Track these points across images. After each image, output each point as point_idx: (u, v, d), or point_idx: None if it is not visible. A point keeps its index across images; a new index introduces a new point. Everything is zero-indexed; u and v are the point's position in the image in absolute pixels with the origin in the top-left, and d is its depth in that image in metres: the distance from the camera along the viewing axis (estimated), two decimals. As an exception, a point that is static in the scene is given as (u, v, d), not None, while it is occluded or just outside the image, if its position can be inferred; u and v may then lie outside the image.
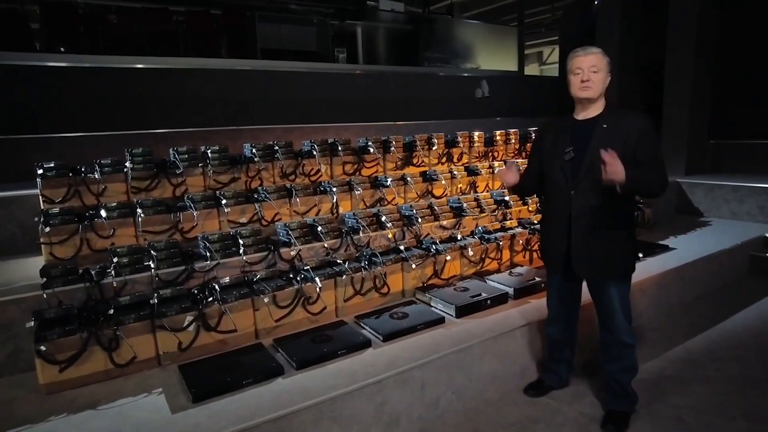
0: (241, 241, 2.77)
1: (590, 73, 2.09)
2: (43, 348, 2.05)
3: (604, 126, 2.12)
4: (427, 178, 3.90)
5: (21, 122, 3.99)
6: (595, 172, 2.04)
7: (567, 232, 2.19)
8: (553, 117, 2.42)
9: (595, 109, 2.17)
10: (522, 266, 3.51)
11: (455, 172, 4.02)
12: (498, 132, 4.66)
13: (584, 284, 2.35)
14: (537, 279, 3.11)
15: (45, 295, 2.28)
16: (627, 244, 2.22)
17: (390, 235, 3.26)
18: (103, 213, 2.72)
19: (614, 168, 1.91)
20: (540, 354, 2.73)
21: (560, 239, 2.22)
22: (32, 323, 2.12)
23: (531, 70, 15.61)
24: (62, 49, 5.34)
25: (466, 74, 7.48)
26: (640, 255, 3.78)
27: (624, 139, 2.06)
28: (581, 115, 2.21)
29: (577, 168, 2.14)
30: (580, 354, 2.67)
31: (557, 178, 2.21)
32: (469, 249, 3.30)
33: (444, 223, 3.52)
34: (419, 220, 3.40)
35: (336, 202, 3.41)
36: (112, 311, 2.24)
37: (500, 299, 2.93)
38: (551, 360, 2.58)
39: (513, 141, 4.71)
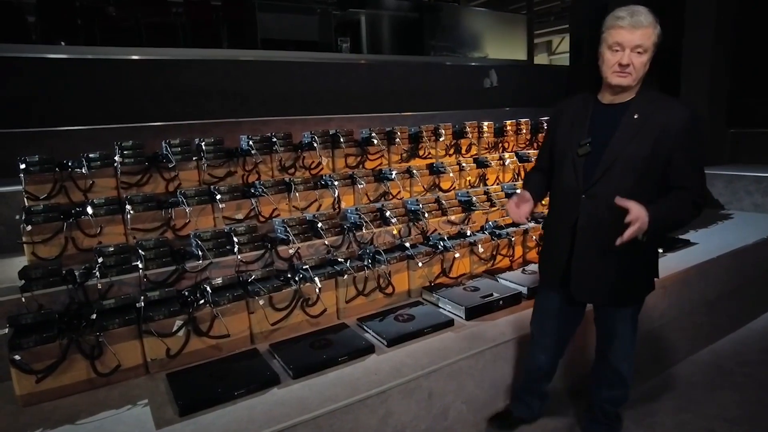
0: (235, 239, 2.61)
1: (633, 54, 1.62)
2: (17, 357, 1.89)
3: (635, 116, 1.69)
4: (434, 170, 3.70)
5: (12, 115, 3.85)
6: (614, 175, 1.66)
7: (569, 245, 1.81)
8: (569, 97, 1.91)
9: (628, 94, 1.73)
10: (536, 263, 3.31)
11: (464, 164, 3.83)
12: (508, 122, 4.46)
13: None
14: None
15: (24, 299, 2.12)
16: (645, 268, 1.84)
17: (395, 232, 3.08)
18: (89, 210, 2.56)
19: (641, 227, 1.51)
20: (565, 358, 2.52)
21: (560, 252, 1.84)
22: (6, 330, 1.97)
23: (540, 60, 15.31)
24: (62, 42, 5.21)
25: (473, 63, 7.26)
26: (660, 250, 3.58)
27: (657, 138, 1.65)
28: (608, 99, 1.77)
29: (593, 166, 1.72)
30: (560, 378, 2.39)
31: (567, 176, 1.79)
32: (479, 245, 3.11)
33: (452, 218, 3.33)
34: (426, 215, 3.22)
35: (338, 196, 3.23)
36: (95, 316, 2.08)
37: (513, 299, 2.74)
38: (525, 390, 2.21)
39: (524, 131, 4.51)
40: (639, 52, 1.63)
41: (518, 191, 1.85)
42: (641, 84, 1.75)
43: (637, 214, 1.54)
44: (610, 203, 1.63)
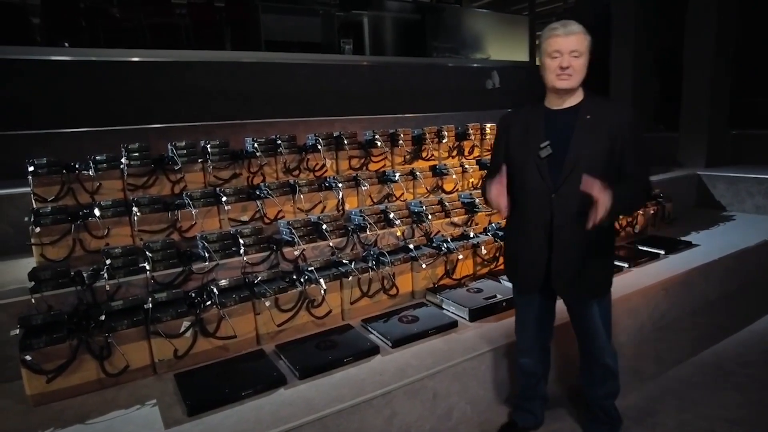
0: (241, 241, 2.63)
1: (571, 58, 1.75)
2: (28, 357, 1.92)
3: (588, 117, 1.81)
4: (437, 172, 3.73)
5: (18, 118, 3.88)
6: (581, 172, 1.72)
7: (548, 244, 1.85)
8: (519, 106, 2.01)
9: (574, 98, 1.85)
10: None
11: (466, 166, 3.85)
12: (510, 124, 4.47)
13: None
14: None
15: (33, 300, 2.15)
16: (610, 255, 1.98)
17: (398, 233, 3.10)
18: (96, 212, 2.59)
19: (605, 207, 1.61)
20: (557, 362, 2.55)
21: (539, 253, 1.88)
22: (18, 330, 2.00)
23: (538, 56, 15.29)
24: (66, 44, 5.23)
25: (476, 65, 7.28)
26: (662, 252, 3.60)
27: (610, 134, 1.79)
28: (557, 104, 1.87)
29: (558, 167, 1.81)
30: (554, 384, 2.41)
31: (532, 179, 1.85)
32: (482, 247, 3.13)
33: (455, 219, 3.36)
34: (429, 216, 3.24)
35: (342, 198, 3.26)
36: (103, 317, 2.10)
37: (516, 301, 2.76)
38: (524, 397, 2.21)
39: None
40: (575, 56, 1.77)
41: (495, 181, 1.85)
42: (585, 89, 1.88)
43: (603, 190, 1.63)
44: (579, 198, 1.73)
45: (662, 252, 3.60)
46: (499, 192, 1.80)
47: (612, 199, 1.63)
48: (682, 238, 3.96)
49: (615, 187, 1.68)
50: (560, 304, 2.03)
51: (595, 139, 1.79)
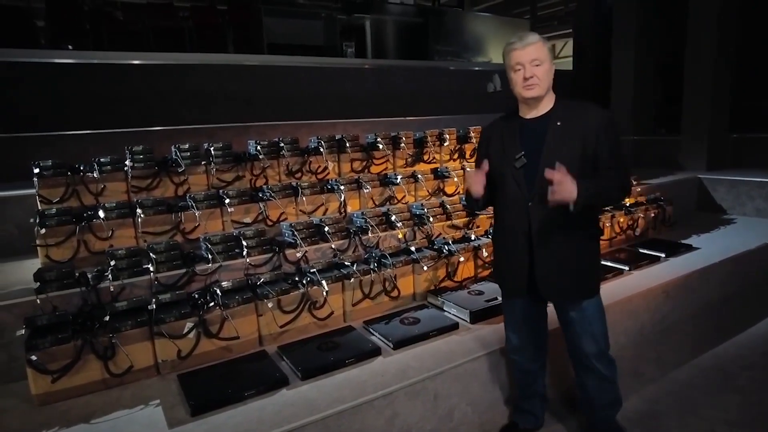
0: (244, 242, 2.65)
1: (533, 68, 1.81)
2: (34, 357, 1.94)
3: (558, 123, 1.86)
4: (439, 175, 3.75)
5: (23, 120, 3.91)
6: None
7: (528, 250, 1.90)
8: (497, 117, 2.08)
9: (545, 105, 1.91)
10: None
11: (468, 169, 3.87)
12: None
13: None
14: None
15: (39, 301, 2.17)
16: (596, 255, 1.99)
17: (400, 236, 3.12)
18: (101, 213, 2.61)
19: (564, 187, 1.67)
20: (556, 363, 2.55)
21: (521, 259, 1.92)
22: (23, 331, 2.02)
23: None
24: (70, 47, 5.27)
25: (477, 68, 7.30)
26: (663, 255, 3.61)
27: (582, 137, 1.82)
28: (530, 114, 1.93)
29: (532, 175, 1.86)
30: (554, 386, 2.42)
31: (510, 188, 1.92)
32: (484, 249, 3.15)
33: (456, 222, 3.37)
34: (430, 219, 3.26)
35: (344, 200, 3.27)
36: (107, 318, 2.12)
37: (517, 303, 2.78)
38: (523, 396, 2.22)
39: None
40: (536, 65, 1.83)
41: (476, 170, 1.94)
42: (555, 95, 1.93)
43: (567, 179, 1.68)
44: (555, 205, 1.76)
45: (663, 255, 3.61)
46: (478, 177, 1.87)
47: (578, 188, 1.68)
48: (683, 241, 3.97)
49: (584, 180, 1.72)
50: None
51: (566, 144, 1.83)
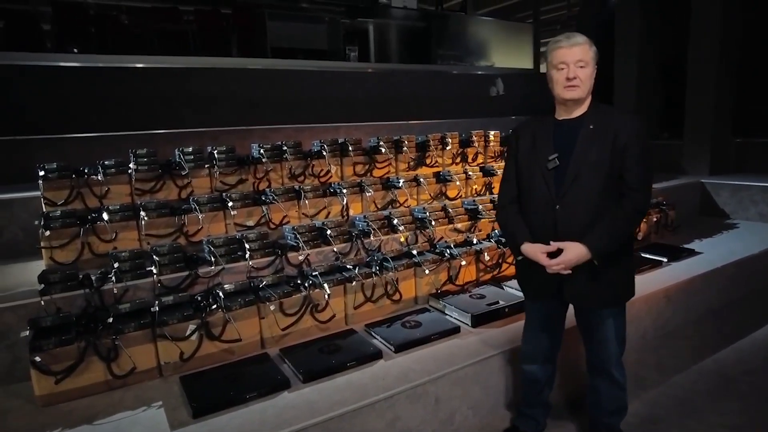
0: (247, 245, 2.66)
1: (576, 68, 1.78)
2: (38, 358, 1.95)
3: (591, 126, 1.84)
4: (441, 178, 3.76)
5: (28, 123, 3.94)
6: (583, 182, 1.80)
7: (554, 253, 1.86)
8: (530, 117, 2.07)
9: (581, 108, 1.89)
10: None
11: (470, 173, 3.88)
12: (514, 131, 4.50)
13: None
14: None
15: (42, 302, 2.19)
16: (626, 264, 1.96)
17: (402, 239, 3.13)
18: (105, 216, 2.63)
19: (570, 263, 1.80)
20: (561, 369, 2.55)
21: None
22: (27, 332, 2.03)
23: (546, 68, 15.33)
24: (75, 50, 5.30)
25: (480, 72, 7.32)
26: (665, 260, 3.61)
27: (612, 143, 1.80)
28: (565, 115, 1.91)
29: (561, 177, 1.84)
30: (557, 391, 2.40)
31: (538, 189, 1.90)
32: (485, 253, 3.16)
33: (458, 225, 3.38)
34: (432, 222, 3.27)
35: (346, 204, 3.29)
36: (111, 319, 2.14)
37: (519, 307, 2.76)
38: (527, 403, 2.22)
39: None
40: (581, 66, 1.80)
41: (525, 245, 1.94)
42: (591, 99, 1.91)
43: (564, 259, 1.80)
44: (582, 207, 1.82)
45: (665, 259, 3.61)
46: (541, 256, 1.87)
47: (591, 250, 1.77)
48: (686, 246, 3.97)
49: (596, 232, 1.79)
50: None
51: (597, 148, 1.81)
